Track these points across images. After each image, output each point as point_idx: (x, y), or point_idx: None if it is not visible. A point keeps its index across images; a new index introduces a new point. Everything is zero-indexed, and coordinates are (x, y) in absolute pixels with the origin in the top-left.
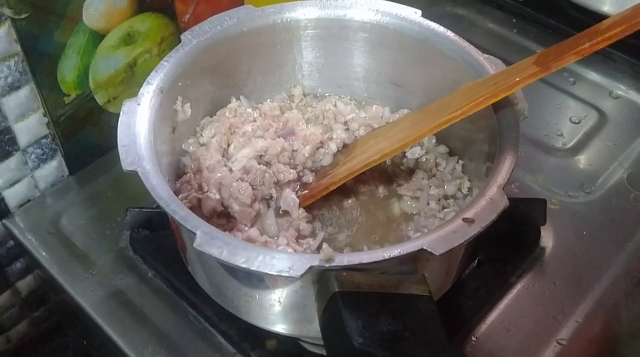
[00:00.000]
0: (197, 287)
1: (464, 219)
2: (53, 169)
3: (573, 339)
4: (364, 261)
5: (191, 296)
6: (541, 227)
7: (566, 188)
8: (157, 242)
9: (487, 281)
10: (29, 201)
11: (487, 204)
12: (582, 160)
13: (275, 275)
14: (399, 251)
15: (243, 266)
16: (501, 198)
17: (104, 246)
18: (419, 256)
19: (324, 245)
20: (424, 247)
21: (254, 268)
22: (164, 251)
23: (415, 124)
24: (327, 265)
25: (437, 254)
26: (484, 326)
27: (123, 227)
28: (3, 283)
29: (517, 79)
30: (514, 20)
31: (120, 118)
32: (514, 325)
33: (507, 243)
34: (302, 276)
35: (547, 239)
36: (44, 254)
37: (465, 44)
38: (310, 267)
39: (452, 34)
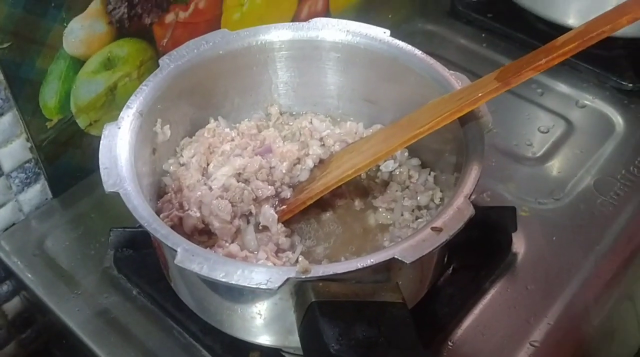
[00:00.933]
0: (180, 303)
1: (433, 228)
2: (37, 192)
3: (546, 341)
4: (339, 271)
5: (175, 312)
6: (513, 234)
7: (536, 195)
8: (140, 260)
9: (461, 287)
10: (13, 224)
11: (455, 213)
12: (551, 168)
13: (254, 287)
14: (371, 260)
15: (223, 280)
16: (467, 207)
17: (88, 266)
18: (391, 265)
19: (300, 257)
20: (395, 256)
21: (233, 282)
22: (147, 269)
23: (387, 139)
24: (304, 276)
25: (407, 262)
26: (459, 331)
27: (107, 247)
28: None
29: (480, 94)
30: (483, 35)
31: (101, 141)
32: (489, 329)
33: (480, 250)
34: (279, 287)
35: (519, 245)
36: (29, 276)
37: (432, 61)
38: (287, 279)
39: (420, 51)
